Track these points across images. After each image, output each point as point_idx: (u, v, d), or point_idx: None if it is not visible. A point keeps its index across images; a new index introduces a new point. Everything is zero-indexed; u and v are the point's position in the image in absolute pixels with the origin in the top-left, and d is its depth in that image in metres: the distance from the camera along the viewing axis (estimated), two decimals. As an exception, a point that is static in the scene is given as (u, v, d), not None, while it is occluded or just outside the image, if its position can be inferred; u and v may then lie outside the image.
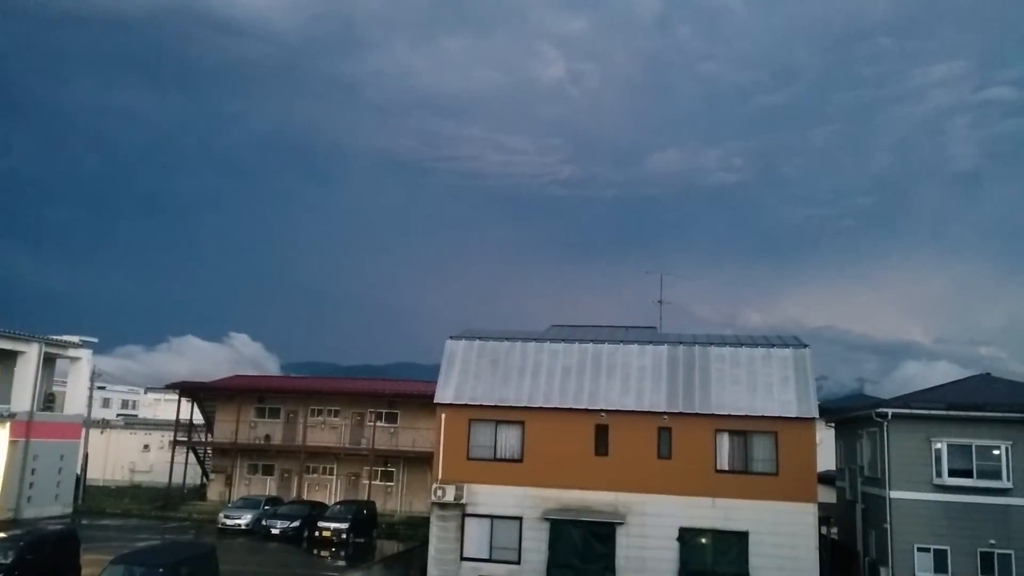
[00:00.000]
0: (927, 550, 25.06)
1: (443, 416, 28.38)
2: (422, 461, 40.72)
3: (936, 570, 24.93)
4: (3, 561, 20.90)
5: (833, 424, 34.00)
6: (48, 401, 41.81)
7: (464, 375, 28.88)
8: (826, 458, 32.29)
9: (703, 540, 25.99)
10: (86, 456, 47.01)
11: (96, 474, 53.33)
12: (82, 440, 44.77)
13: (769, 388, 26.91)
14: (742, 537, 25.70)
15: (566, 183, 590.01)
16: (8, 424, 30.10)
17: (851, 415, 30.88)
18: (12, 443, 31.67)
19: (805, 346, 27.96)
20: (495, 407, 28.05)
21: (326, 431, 46.31)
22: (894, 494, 25.59)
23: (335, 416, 46.80)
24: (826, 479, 32.29)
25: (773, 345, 28.15)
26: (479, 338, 29.97)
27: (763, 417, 26.33)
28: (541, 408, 27.73)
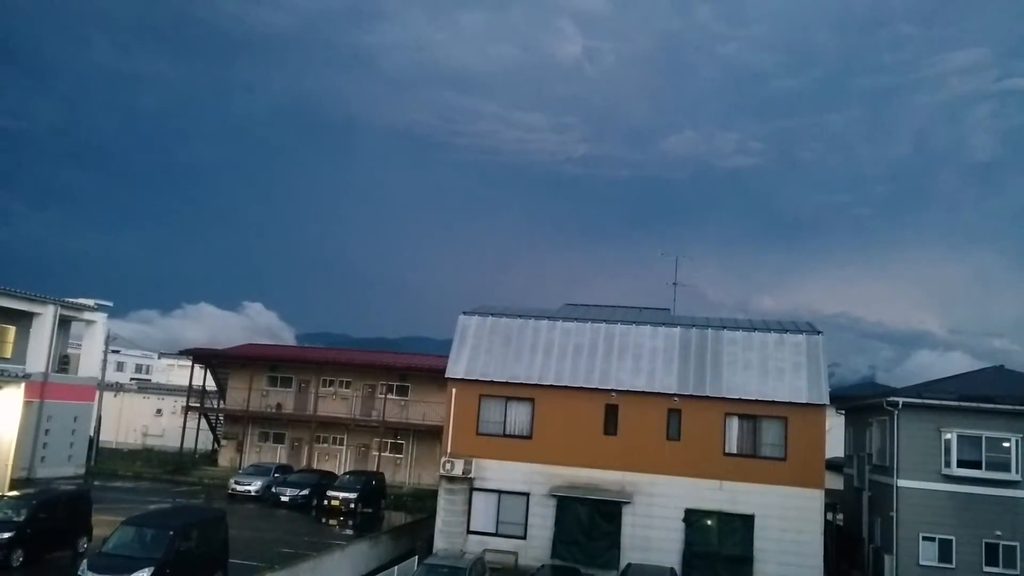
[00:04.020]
0: (932, 539, 25.07)
1: (454, 391, 28.47)
2: (432, 434, 41.01)
3: (940, 559, 24.95)
4: (16, 519, 21.30)
5: (843, 411, 33.92)
6: (63, 363, 42.28)
7: (476, 351, 28.93)
8: (835, 445, 32.26)
9: (709, 522, 26.07)
10: (99, 418, 47.57)
11: (109, 437, 54.09)
12: (96, 402, 45.30)
13: (780, 373, 26.83)
14: (748, 520, 25.77)
15: (580, 162, 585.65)
16: (23, 384, 30.45)
17: (862, 403, 30.79)
18: (27, 403, 32.06)
19: (818, 332, 27.81)
20: (506, 383, 28.11)
21: (337, 402, 46.69)
22: (902, 483, 25.56)
23: (346, 387, 47.14)
24: (834, 466, 32.26)
25: (786, 331, 28.02)
26: (492, 314, 29.98)
27: (773, 402, 26.27)
28: (552, 386, 27.76)
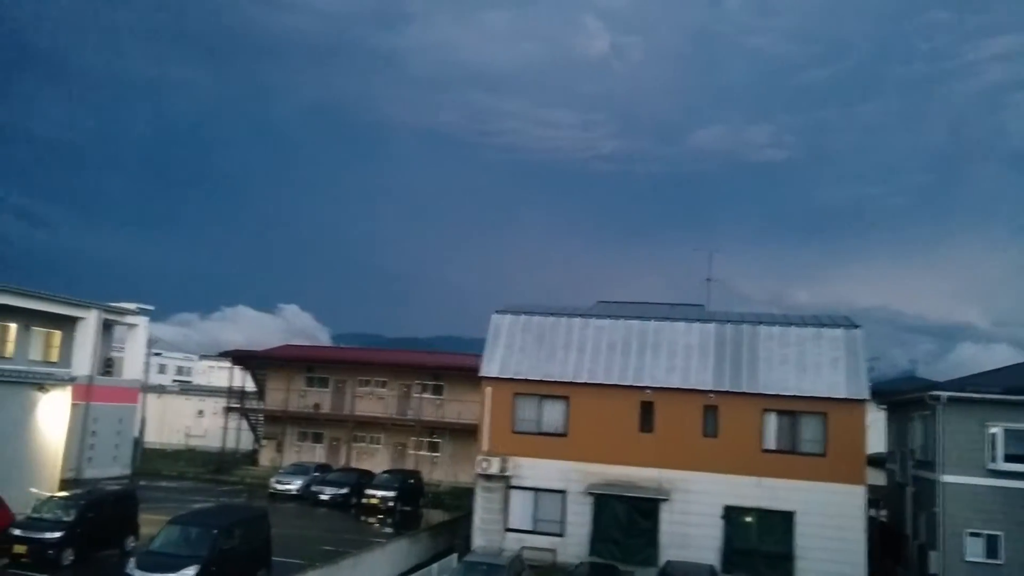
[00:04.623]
0: (979, 535, 24.52)
1: (488, 390, 28.58)
2: (467, 433, 41.15)
3: (987, 555, 24.38)
4: (66, 519, 21.86)
5: (884, 406, 33.37)
6: (107, 366, 43.29)
7: (509, 349, 29.00)
8: (877, 440, 31.75)
9: (748, 519, 25.86)
10: (143, 420, 48.56)
11: (152, 437, 55.13)
12: (139, 404, 46.26)
13: (819, 368, 26.49)
14: (788, 517, 25.50)
15: (610, 158, 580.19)
16: (70, 388, 31.17)
17: (903, 397, 30.24)
18: (74, 406, 32.80)
19: (857, 327, 27.40)
20: (540, 382, 28.14)
21: (374, 401, 47.10)
22: (946, 478, 25.04)
23: (383, 387, 47.52)
24: (876, 461, 31.75)
25: (824, 325, 27.66)
26: (525, 313, 30.02)
27: (812, 398, 25.97)
28: (586, 384, 27.73)
